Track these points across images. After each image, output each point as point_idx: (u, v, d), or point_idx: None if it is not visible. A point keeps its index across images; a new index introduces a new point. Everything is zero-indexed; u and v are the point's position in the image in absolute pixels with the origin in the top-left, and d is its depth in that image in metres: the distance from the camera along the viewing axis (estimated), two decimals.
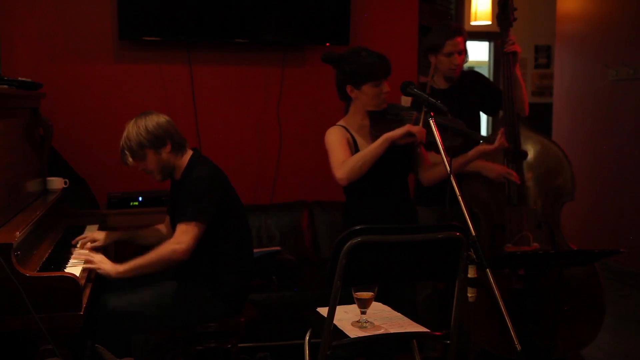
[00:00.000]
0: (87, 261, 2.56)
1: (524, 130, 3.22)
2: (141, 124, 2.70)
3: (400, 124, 2.70)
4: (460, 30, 3.26)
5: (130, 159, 2.73)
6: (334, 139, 2.71)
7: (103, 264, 2.58)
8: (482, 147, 2.77)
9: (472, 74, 3.51)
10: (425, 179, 2.88)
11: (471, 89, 3.35)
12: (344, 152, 2.67)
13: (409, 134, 2.60)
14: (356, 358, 2.80)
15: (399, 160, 2.76)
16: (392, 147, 2.69)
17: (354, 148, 2.72)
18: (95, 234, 2.90)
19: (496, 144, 2.75)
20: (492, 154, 2.81)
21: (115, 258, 3.39)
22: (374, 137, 2.72)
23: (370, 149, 2.61)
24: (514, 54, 3.23)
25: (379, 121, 2.73)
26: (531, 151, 3.22)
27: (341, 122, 2.80)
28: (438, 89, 3.34)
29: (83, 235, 2.88)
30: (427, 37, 3.36)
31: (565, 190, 3.17)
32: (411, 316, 2.33)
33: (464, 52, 3.26)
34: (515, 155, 3.02)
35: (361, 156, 2.62)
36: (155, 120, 2.72)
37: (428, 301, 3.43)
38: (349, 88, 2.73)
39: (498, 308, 2.10)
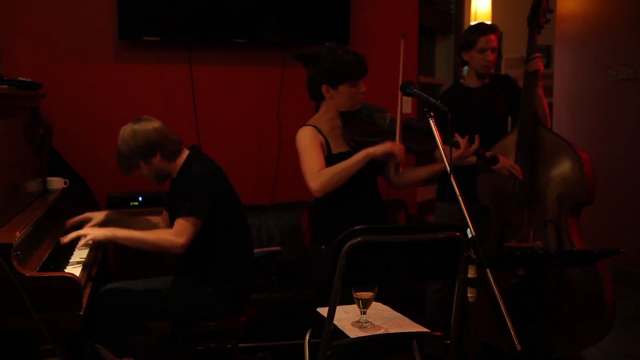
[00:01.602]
0: (78, 236, 2.55)
1: (542, 130, 3.21)
2: (131, 135, 2.72)
3: (373, 126, 2.69)
4: (494, 28, 3.31)
5: (128, 170, 2.79)
6: (308, 142, 2.64)
7: (95, 231, 2.60)
8: (455, 155, 2.74)
9: (504, 79, 3.55)
10: (396, 183, 2.89)
11: (502, 92, 3.38)
12: (318, 159, 2.60)
13: (390, 154, 2.59)
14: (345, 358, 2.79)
15: (369, 166, 2.75)
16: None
17: (327, 152, 2.68)
18: (91, 213, 2.91)
19: (462, 148, 2.73)
20: (465, 156, 2.77)
21: (115, 255, 3.40)
22: (347, 140, 2.70)
23: (349, 164, 2.57)
24: (536, 72, 3.21)
25: (352, 123, 2.69)
26: (542, 151, 3.21)
27: (312, 122, 2.74)
28: (468, 87, 3.40)
29: (78, 217, 2.88)
30: (462, 35, 3.40)
31: (574, 192, 3.14)
32: (409, 312, 2.33)
33: (496, 50, 3.30)
34: (487, 161, 2.98)
35: (339, 170, 2.57)
36: (145, 130, 2.72)
37: (437, 295, 3.44)
38: (324, 88, 2.68)
39: (498, 307, 2.10)
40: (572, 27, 6.10)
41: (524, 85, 3.25)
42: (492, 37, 3.26)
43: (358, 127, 2.69)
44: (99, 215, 2.88)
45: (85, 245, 2.59)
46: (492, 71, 3.40)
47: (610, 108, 5.50)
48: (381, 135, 2.67)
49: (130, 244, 2.65)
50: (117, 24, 3.82)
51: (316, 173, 2.57)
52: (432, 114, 2.42)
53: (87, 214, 2.90)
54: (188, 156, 2.81)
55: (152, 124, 2.75)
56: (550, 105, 6.45)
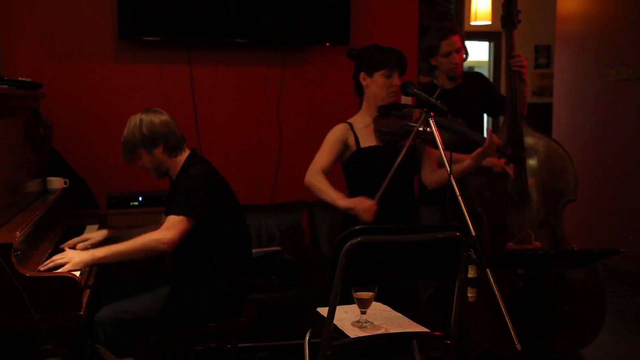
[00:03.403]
0: (55, 264, 2.40)
1: (528, 130, 3.22)
2: (137, 124, 2.73)
3: (402, 120, 2.71)
4: (454, 28, 3.27)
5: (130, 158, 2.77)
6: (330, 139, 2.78)
7: (73, 256, 2.44)
8: (476, 152, 2.75)
9: (477, 76, 3.52)
10: (429, 182, 2.88)
11: (476, 90, 3.36)
12: (326, 159, 2.74)
13: (354, 212, 2.59)
14: (356, 358, 2.80)
15: (405, 163, 2.76)
16: (393, 149, 2.71)
17: (356, 147, 2.76)
18: (89, 234, 2.90)
19: (487, 143, 2.73)
20: (489, 153, 2.78)
21: None
22: (376, 133, 2.75)
23: (325, 194, 2.68)
24: (520, 73, 3.22)
25: (383, 116, 2.76)
26: (534, 151, 3.22)
27: (351, 119, 2.84)
28: (443, 88, 3.34)
29: (73, 241, 2.81)
30: (424, 41, 3.37)
31: (568, 190, 3.17)
32: (412, 314, 2.33)
33: (462, 50, 3.26)
34: (513, 159, 3.01)
35: (319, 189, 2.70)
36: (151, 120, 2.74)
37: (431, 301, 3.43)
38: (362, 75, 2.77)
39: (498, 308, 2.10)
40: (572, 27, 6.10)
41: (508, 85, 3.23)
42: (454, 38, 3.23)
43: (386, 120, 2.75)
44: (96, 236, 2.85)
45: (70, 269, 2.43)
46: (461, 71, 3.35)
47: (610, 108, 5.50)
48: (403, 128, 2.70)
49: (115, 259, 2.55)
50: (117, 24, 3.82)
51: (316, 169, 2.73)
52: (432, 114, 2.42)
53: (85, 235, 2.86)
54: (187, 158, 2.81)
55: (159, 116, 2.77)
56: (550, 105, 6.50)
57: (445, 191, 2.30)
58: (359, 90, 2.84)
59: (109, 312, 2.60)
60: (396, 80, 2.75)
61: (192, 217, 2.63)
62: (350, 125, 2.79)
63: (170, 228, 2.59)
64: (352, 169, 2.80)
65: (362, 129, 2.79)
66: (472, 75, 3.46)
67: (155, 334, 3.01)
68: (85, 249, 2.71)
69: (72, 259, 2.43)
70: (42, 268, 2.35)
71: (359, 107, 2.87)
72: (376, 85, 2.76)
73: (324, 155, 2.75)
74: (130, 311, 2.61)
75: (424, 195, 3.41)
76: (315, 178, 2.71)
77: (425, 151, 2.85)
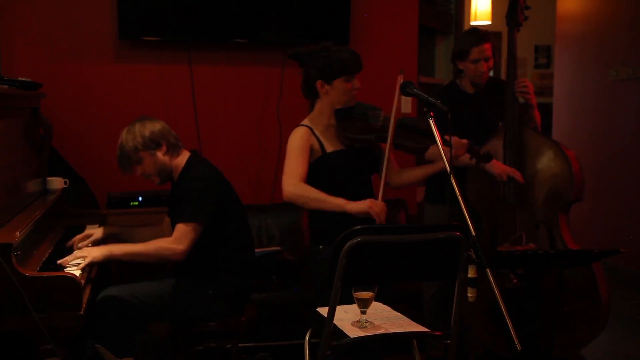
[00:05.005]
0: (78, 257, 2.53)
1: (527, 131, 3.21)
2: (134, 130, 2.75)
3: (367, 124, 2.68)
4: (487, 36, 3.21)
5: (128, 166, 2.77)
6: (297, 145, 2.64)
7: (92, 252, 2.56)
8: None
9: (502, 84, 3.48)
10: (395, 183, 2.88)
11: (495, 97, 3.29)
12: (301, 165, 2.60)
13: (367, 214, 2.51)
14: (343, 358, 2.78)
15: (364, 163, 2.75)
16: (357, 151, 2.69)
17: (321, 152, 2.68)
18: (90, 230, 2.91)
19: (454, 145, 2.71)
20: (457, 155, 2.73)
21: (115, 262, 3.39)
22: (342, 139, 2.70)
23: (325, 201, 2.54)
24: (525, 99, 3.19)
25: (346, 120, 2.69)
26: (532, 152, 3.20)
27: (307, 122, 2.74)
28: (464, 91, 3.33)
29: (79, 236, 2.86)
30: (455, 43, 3.32)
31: (564, 191, 3.15)
32: (412, 314, 2.33)
33: (491, 59, 3.22)
34: (481, 158, 2.97)
35: (314, 197, 2.55)
36: (148, 125, 2.76)
37: (434, 299, 3.43)
38: (319, 83, 2.68)
39: (498, 308, 2.10)
40: (572, 27, 6.10)
41: (506, 86, 3.20)
42: (486, 46, 3.17)
43: (351, 124, 2.67)
44: (97, 232, 2.87)
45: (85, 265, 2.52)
46: (486, 80, 3.29)
47: (610, 108, 5.51)
48: (374, 132, 2.66)
49: (129, 258, 2.64)
50: (117, 24, 3.82)
51: (295, 180, 2.57)
52: (431, 114, 2.42)
53: (87, 232, 2.88)
54: (189, 159, 2.82)
55: (156, 122, 2.80)
56: (550, 105, 6.50)
57: (451, 189, 2.29)
58: (311, 95, 2.75)
59: (112, 291, 2.64)
60: (357, 83, 2.70)
61: (201, 222, 2.65)
62: (310, 128, 2.70)
63: (181, 238, 2.62)
64: (318, 174, 2.67)
65: (322, 132, 2.71)
66: (496, 83, 3.38)
67: (154, 321, 3.00)
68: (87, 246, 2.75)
69: (90, 253, 2.55)
70: (60, 262, 2.48)
71: (310, 109, 2.79)
72: (337, 92, 2.68)
73: (298, 162, 2.60)
74: (133, 293, 2.64)
75: (430, 194, 3.41)
76: (302, 188, 2.56)
77: (384, 151, 2.76)
